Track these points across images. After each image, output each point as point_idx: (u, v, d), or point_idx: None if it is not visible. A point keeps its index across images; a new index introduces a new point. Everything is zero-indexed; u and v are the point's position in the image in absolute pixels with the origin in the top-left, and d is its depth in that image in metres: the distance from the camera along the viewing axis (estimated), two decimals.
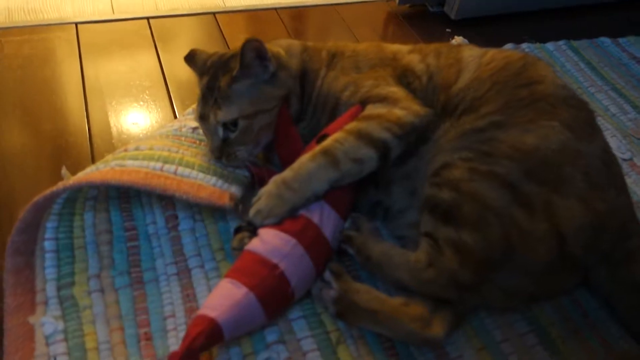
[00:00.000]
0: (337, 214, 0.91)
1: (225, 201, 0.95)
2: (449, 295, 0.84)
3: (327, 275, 0.87)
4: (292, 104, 1.02)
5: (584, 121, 0.89)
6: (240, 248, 0.89)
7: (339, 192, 0.91)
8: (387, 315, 0.83)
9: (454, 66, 0.99)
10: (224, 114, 0.95)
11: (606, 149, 0.90)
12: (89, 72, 1.36)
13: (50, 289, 0.88)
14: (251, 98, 0.95)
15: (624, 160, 1.25)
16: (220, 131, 0.97)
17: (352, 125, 0.92)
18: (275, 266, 0.82)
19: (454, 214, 0.82)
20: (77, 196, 1.00)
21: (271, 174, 0.97)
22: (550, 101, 0.88)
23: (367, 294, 0.86)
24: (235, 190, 0.98)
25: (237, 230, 0.94)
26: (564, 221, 0.80)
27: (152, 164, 0.96)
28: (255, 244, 0.86)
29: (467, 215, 0.81)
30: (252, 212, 0.89)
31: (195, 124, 1.09)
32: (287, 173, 0.90)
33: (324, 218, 0.89)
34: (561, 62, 1.59)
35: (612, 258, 0.87)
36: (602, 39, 1.70)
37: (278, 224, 0.87)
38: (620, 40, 1.71)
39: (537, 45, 1.63)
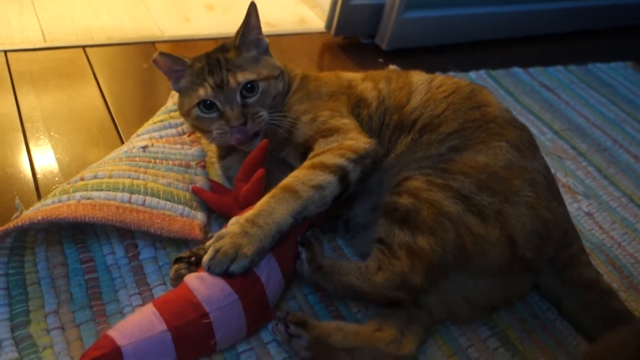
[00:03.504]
0: (282, 275, 0.88)
1: (197, 233, 0.96)
2: (399, 297, 0.87)
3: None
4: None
5: (527, 141, 0.99)
6: (177, 278, 0.88)
7: (286, 249, 0.89)
8: (364, 349, 0.84)
9: (404, 89, 1.06)
10: (243, 76, 0.99)
11: (546, 165, 1.00)
12: (25, 101, 1.29)
13: (3, 330, 0.82)
14: (258, 65, 1.03)
15: None
16: (239, 97, 0.99)
17: (306, 163, 0.94)
18: (205, 315, 0.78)
19: (412, 218, 0.87)
20: (27, 228, 0.93)
21: (225, 190, 1.02)
22: (499, 122, 0.98)
23: (338, 332, 0.85)
24: (200, 217, 1.00)
25: (177, 260, 0.91)
26: (515, 227, 0.88)
27: (119, 195, 0.93)
28: (196, 283, 0.81)
29: (424, 220, 0.86)
30: (210, 255, 0.82)
31: (144, 142, 1.07)
32: (248, 213, 0.87)
33: (271, 278, 0.86)
34: None
35: (558, 262, 0.96)
36: (515, 69, 1.88)
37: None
38: (531, 70, 1.89)
39: (461, 74, 1.77)
